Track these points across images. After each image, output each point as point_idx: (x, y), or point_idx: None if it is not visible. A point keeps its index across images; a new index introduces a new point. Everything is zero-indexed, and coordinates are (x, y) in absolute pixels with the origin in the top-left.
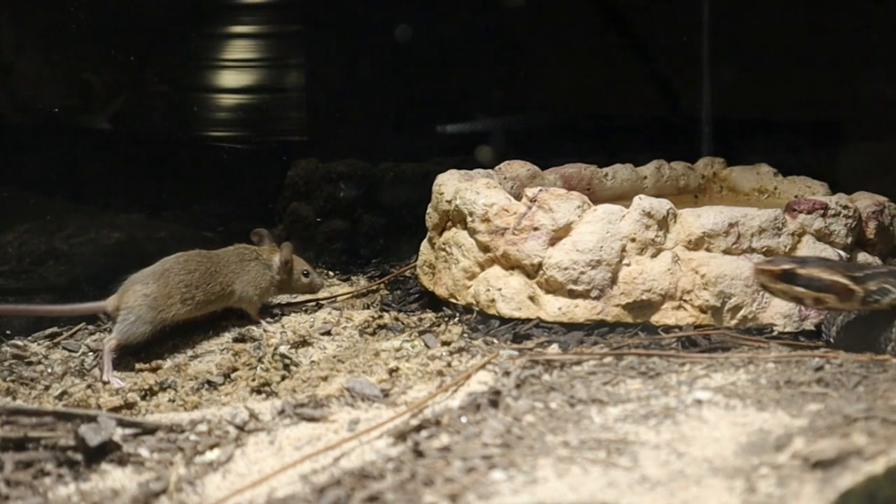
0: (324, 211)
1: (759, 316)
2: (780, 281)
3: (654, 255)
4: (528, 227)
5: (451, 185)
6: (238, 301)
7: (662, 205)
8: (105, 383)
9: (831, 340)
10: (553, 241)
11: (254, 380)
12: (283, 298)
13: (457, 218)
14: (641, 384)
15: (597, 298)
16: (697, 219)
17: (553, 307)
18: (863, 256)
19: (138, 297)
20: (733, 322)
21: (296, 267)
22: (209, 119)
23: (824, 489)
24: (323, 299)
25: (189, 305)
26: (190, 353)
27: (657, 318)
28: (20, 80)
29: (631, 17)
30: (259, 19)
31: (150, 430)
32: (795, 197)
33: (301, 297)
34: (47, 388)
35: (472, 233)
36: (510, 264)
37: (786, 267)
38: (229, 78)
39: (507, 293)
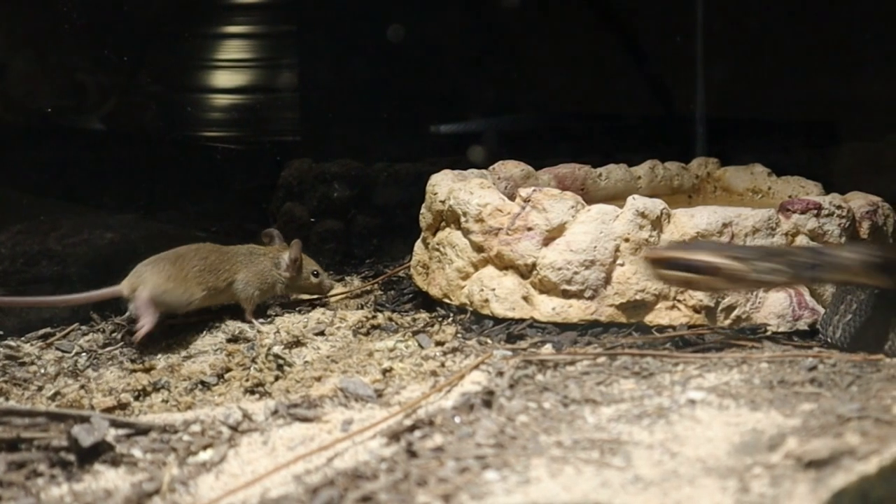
0: (317, 211)
1: (752, 316)
2: (667, 268)
3: None
4: (522, 228)
5: (445, 186)
6: (239, 292)
7: (656, 205)
8: (136, 331)
9: (829, 340)
10: (547, 241)
11: (247, 380)
12: (277, 298)
13: (451, 218)
14: (635, 384)
15: (591, 298)
16: (691, 219)
17: (547, 307)
18: None
19: (159, 279)
20: (727, 322)
21: (305, 266)
22: (203, 119)
23: (817, 489)
24: (317, 299)
25: (205, 291)
26: (183, 353)
27: (651, 318)
28: (13, 80)
29: (625, 18)
30: (252, 20)
31: (143, 430)
32: (789, 197)
33: (292, 298)
34: (40, 388)
35: (466, 233)
36: (504, 264)
37: (669, 255)
38: (223, 78)
39: (501, 293)
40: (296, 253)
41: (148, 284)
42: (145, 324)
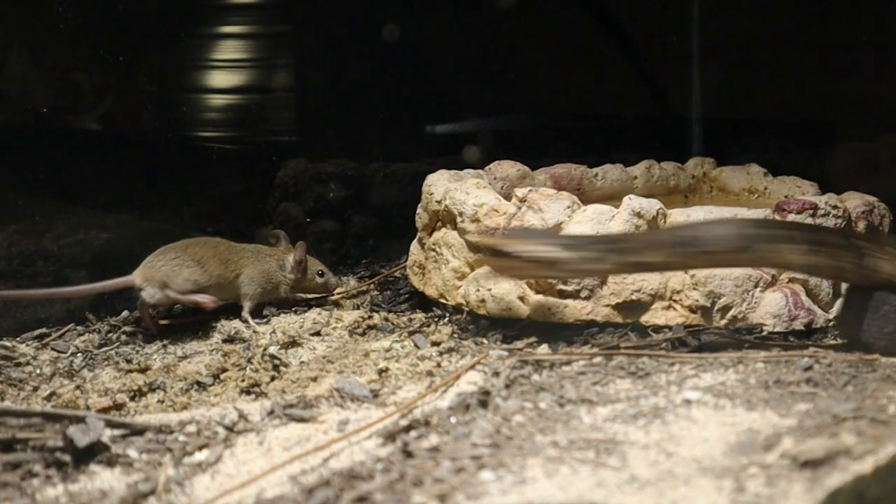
0: (313, 211)
1: (748, 316)
2: (495, 256)
3: None
4: (518, 228)
5: (441, 186)
6: (242, 287)
7: (652, 205)
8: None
9: (873, 348)
10: None
11: (243, 380)
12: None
13: (447, 218)
14: (631, 384)
15: (587, 299)
16: (687, 219)
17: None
18: None
19: (172, 266)
20: (723, 322)
21: (310, 267)
22: (198, 119)
23: (813, 489)
24: (313, 299)
25: (219, 278)
26: (179, 353)
27: (647, 319)
28: (8, 80)
29: (621, 18)
30: (248, 20)
31: (138, 430)
32: (785, 197)
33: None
34: (36, 389)
35: (462, 233)
36: None
37: (493, 243)
38: (219, 78)
39: (497, 293)
40: (301, 255)
41: (173, 282)
42: (207, 301)
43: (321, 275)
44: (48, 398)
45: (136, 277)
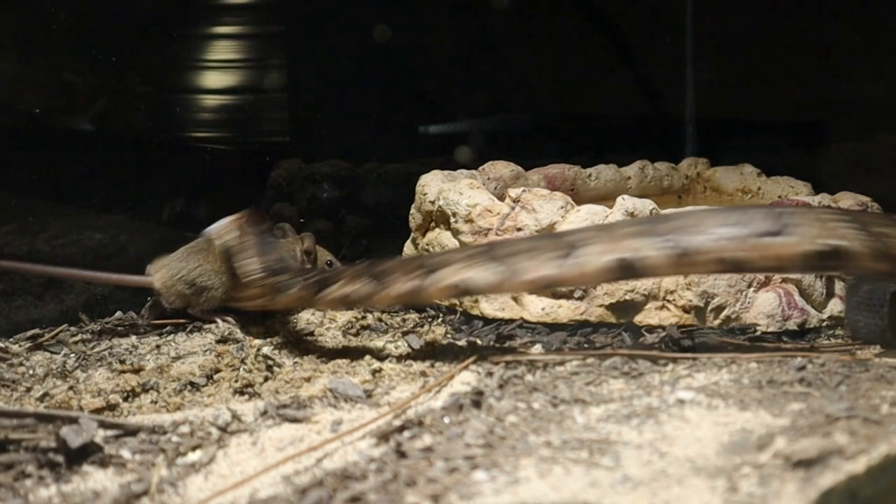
0: (307, 212)
1: (742, 316)
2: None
3: None
4: (512, 228)
5: (435, 186)
6: None
7: (645, 205)
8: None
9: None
10: None
11: (237, 381)
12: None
13: (440, 218)
14: (624, 384)
15: (580, 299)
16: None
17: (536, 307)
18: None
19: (194, 272)
20: (717, 322)
21: (320, 257)
22: (192, 120)
23: (806, 488)
24: None
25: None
26: (173, 354)
27: (640, 318)
28: (1, 80)
29: (614, 18)
30: (242, 20)
31: (131, 431)
32: (779, 197)
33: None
34: (28, 389)
35: (456, 233)
36: None
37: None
38: (212, 79)
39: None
40: (309, 245)
41: (195, 302)
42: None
43: (330, 265)
44: (41, 399)
45: (155, 281)
